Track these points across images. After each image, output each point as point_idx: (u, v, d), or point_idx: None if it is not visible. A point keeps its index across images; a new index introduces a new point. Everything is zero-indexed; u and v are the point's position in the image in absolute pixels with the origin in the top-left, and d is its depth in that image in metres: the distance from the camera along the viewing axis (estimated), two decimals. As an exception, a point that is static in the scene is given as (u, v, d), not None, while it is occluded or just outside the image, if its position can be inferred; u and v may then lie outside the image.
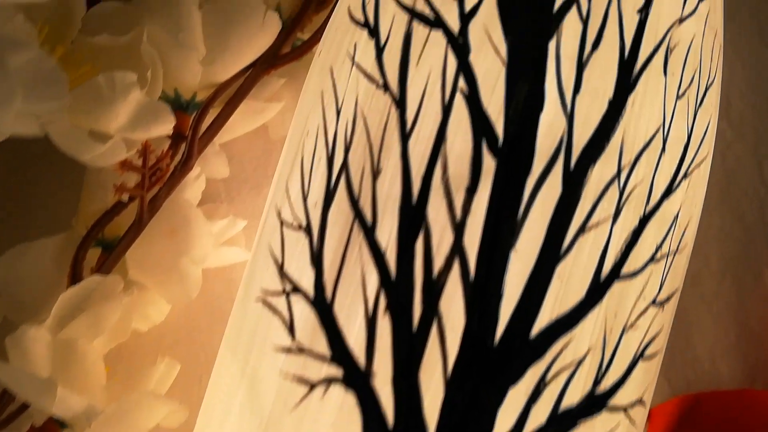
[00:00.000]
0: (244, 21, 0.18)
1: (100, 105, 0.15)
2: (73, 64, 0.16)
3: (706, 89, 0.13)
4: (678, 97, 0.12)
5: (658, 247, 0.12)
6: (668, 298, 0.13)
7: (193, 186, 0.19)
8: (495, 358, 0.11)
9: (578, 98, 0.11)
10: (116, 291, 0.18)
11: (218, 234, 0.19)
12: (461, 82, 0.11)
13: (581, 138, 0.11)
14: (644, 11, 0.12)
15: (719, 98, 0.14)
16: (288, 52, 0.19)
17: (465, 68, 0.11)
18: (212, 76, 0.18)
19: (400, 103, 0.12)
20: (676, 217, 0.12)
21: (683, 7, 0.12)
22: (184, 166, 0.18)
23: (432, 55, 0.12)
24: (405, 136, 0.11)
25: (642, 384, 0.12)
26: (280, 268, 0.12)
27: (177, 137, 0.18)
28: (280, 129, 0.21)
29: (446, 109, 0.11)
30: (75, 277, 0.18)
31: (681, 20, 0.12)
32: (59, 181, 0.19)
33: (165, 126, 0.17)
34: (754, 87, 0.23)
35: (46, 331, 0.16)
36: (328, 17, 0.17)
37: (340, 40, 0.13)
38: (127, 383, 0.17)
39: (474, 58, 0.11)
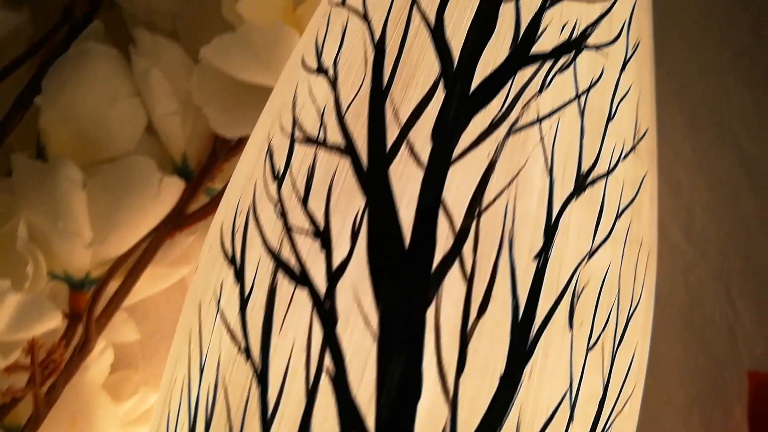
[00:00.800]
0: (136, 193, 0.16)
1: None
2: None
3: (628, 320, 0.11)
4: (589, 349, 0.10)
5: None
6: None
7: (98, 362, 0.17)
8: None
9: (462, 379, 0.09)
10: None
11: (127, 414, 0.17)
12: (327, 360, 0.10)
13: (467, 426, 0.09)
14: (543, 255, 0.10)
15: (651, 316, 0.12)
16: (196, 210, 0.18)
17: (332, 342, 0.10)
18: (105, 254, 0.16)
19: (262, 378, 0.10)
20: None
21: (594, 236, 0.11)
22: (83, 349, 0.17)
23: (296, 320, 0.10)
24: (267, 423, 0.10)
25: None
26: None
27: (73, 317, 0.17)
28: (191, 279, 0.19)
29: (311, 394, 0.10)
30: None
31: (591, 253, 0.11)
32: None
33: (52, 321, 0.15)
34: (716, 199, 0.21)
35: None
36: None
37: (211, 268, 0.12)
38: None
39: (342, 330, 0.10)
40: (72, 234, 0.15)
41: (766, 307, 0.21)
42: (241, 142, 0.18)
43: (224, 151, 0.18)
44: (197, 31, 0.17)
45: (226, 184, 0.17)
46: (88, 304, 0.17)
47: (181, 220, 0.17)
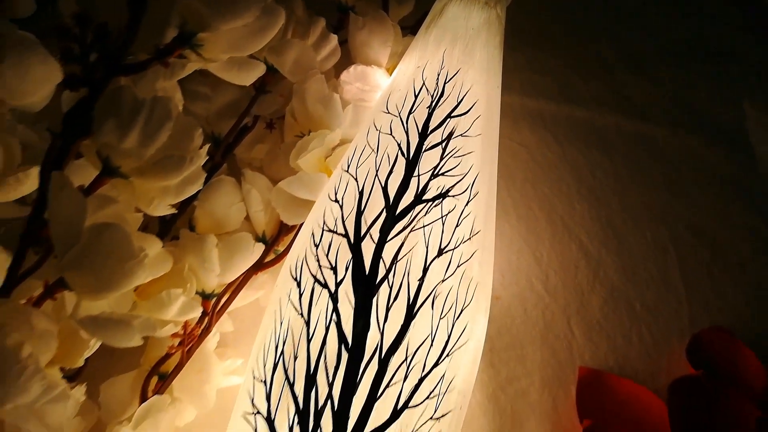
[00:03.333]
0: (242, 251, 0.32)
1: (162, 308, 0.29)
2: (148, 288, 0.30)
3: (463, 309, 0.26)
4: (441, 318, 0.26)
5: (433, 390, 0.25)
6: (443, 415, 0.26)
7: (211, 340, 0.33)
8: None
9: (386, 326, 0.25)
10: (167, 404, 0.31)
11: (225, 369, 0.33)
12: (334, 317, 0.25)
13: (387, 343, 0.25)
14: (422, 279, 0.26)
15: (483, 310, 0.27)
16: (269, 260, 0.33)
17: (336, 312, 0.25)
18: (223, 281, 0.32)
19: (307, 325, 0.25)
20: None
21: (445, 273, 0.26)
22: (206, 331, 0.32)
23: (322, 302, 0.25)
24: (309, 347, 0.25)
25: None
26: (252, 400, 0.26)
27: (203, 314, 0.32)
28: (264, 301, 0.35)
29: (326, 330, 0.25)
30: (143, 396, 0.31)
31: (444, 280, 0.26)
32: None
33: (196, 312, 0.31)
34: (562, 266, 0.37)
35: (130, 428, 0.29)
36: (294, 237, 0.31)
37: (284, 283, 0.27)
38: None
39: (340, 307, 0.25)
40: (209, 271, 0.31)
41: (591, 332, 0.36)
42: (294, 227, 0.34)
43: (285, 230, 0.34)
44: (276, 171, 0.33)
45: (287, 247, 0.33)
46: (211, 307, 0.32)
47: (260, 265, 0.33)
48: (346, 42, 0.34)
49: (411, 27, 0.36)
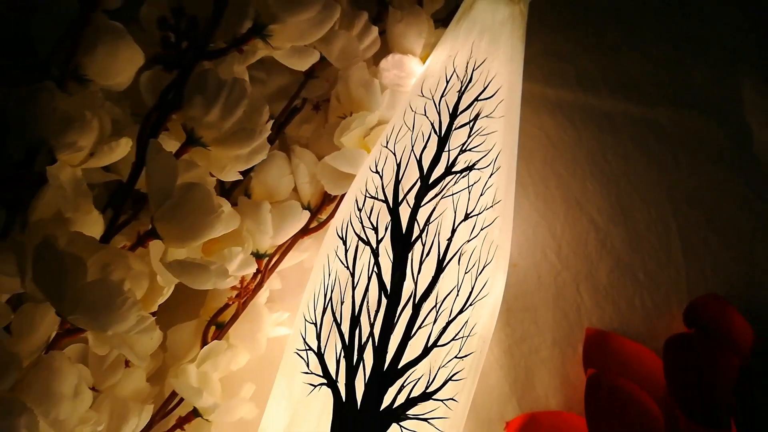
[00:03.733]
0: (291, 218, 0.36)
1: (224, 263, 0.34)
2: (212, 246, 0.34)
3: (485, 265, 0.31)
4: (466, 272, 0.30)
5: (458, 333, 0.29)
6: (466, 355, 0.30)
7: (262, 295, 0.37)
8: (385, 374, 0.28)
9: (419, 277, 0.29)
10: (224, 349, 0.36)
11: (274, 320, 0.37)
12: (375, 269, 0.29)
13: (420, 291, 0.29)
14: (451, 238, 0.30)
15: (504, 266, 0.31)
16: (313, 227, 0.38)
17: (377, 265, 0.29)
18: (274, 243, 0.36)
19: (352, 276, 0.30)
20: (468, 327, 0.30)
21: (470, 234, 0.30)
22: (259, 286, 0.37)
23: (365, 257, 0.30)
24: (354, 293, 0.29)
25: (454, 391, 0.29)
26: (304, 339, 0.30)
27: (257, 271, 0.37)
28: (308, 262, 0.39)
29: (369, 279, 0.29)
30: (204, 342, 0.36)
31: (469, 240, 0.30)
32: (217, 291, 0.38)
33: (251, 268, 0.35)
34: (574, 238, 0.41)
35: (195, 367, 0.34)
36: (336, 208, 0.36)
37: (331, 240, 0.32)
38: (230, 393, 0.35)
39: (381, 260, 0.29)
40: (263, 233, 0.36)
41: (598, 297, 0.40)
42: (336, 198, 0.38)
43: (328, 201, 0.38)
44: (321, 147, 0.37)
45: (329, 215, 0.38)
46: (263, 266, 0.37)
47: (305, 231, 0.38)
48: (384, 32, 0.39)
49: (443, 20, 0.40)
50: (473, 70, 0.33)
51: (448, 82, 0.33)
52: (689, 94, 0.42)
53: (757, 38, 0.42)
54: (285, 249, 0.37)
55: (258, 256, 0.37)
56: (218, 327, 0.37)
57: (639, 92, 0.42)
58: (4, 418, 0.26)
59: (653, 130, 0.41)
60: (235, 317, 0.36)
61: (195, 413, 0.35)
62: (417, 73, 0.37)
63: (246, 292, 0.36)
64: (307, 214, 0.37)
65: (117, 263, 0.26)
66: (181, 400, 0.35)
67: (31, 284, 0.27)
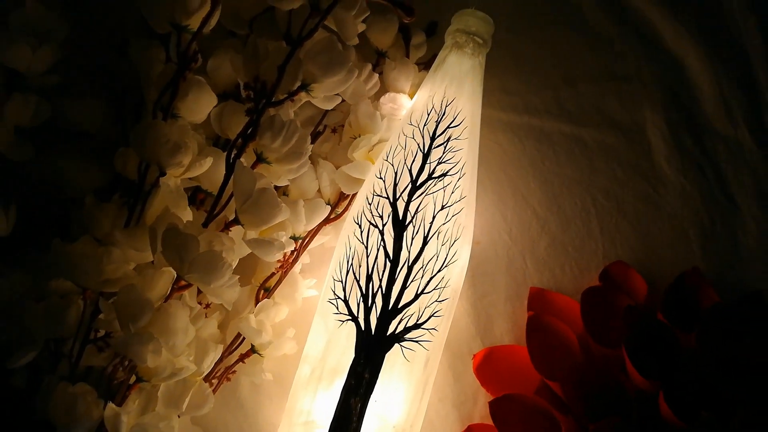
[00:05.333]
0: (317, 211, 0.50)
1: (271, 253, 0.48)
2: (264, 233, 0.49)
3: (455, 239, 0.45)
4: (441, 245, 0.44)
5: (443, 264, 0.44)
6: (443, 300, 0.44)
7: (297, 267, 0.52)
8: (390, 312, 0.43)
9: (412, 249, 0.44)
10: (271, 306, 0.50)
11: (306, 284, 0.52)
12: (381, 242, 0.44)
13: (412, 257, 0.44)
14: (433, 221, 0.45)
15: (468, 243, 0.46)
16: (332, 217, 0.52)
17: (384, 240, 0.44)
18: (306, 229, 0.51)
19: (365, 248, 0.44)
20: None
21: (445, 218, 0.45)
22: (295, 260, 0.51)
23: (374, 236, 0.44)
24: (368, 262, 0.44)
25: (435, 324, 0.44)
26: (333, 291, 0.45)
27: (294, 250, 0.51)
28: (330, 243, 0.53)
29: (378, 249, 0.44)
30: (256, 301, 0.50)
31: (445, 222, 0.45)
32: (249, 262, 0.52)
33: (290, 247, 0.49)
34: (521, 223, 0.56)
35: (253, 317, 0.48)
36: (349, 204, 0.50)
37: (349, 226, 0.46)
38: (276, 335, 0.49)
39: (386, 238, 0.44)
40: (299, 222, 0.50)
41: (538, 265, 0.55)
42: (349, 196, 0.53)
43: (343, 198, 0.53)
44: (338, 160, 0.52)
45: (344, 209, 0.52)
46: (298, 245, 0.51)
47: (327, 220, 0.52)
48: (382, 75, 0.53)
49: (425, 63, 0.55)
50: (446, 106, 0.48)
51: (428, 115, 0.48)
52: (605, 119, 0.57)
53: (653, 71, 0.58)
54: (312, 233, 0.52)
55: (295, 239, 0.51)
56: (266, 290, 0.51)
57: (569, 116, 0.57)
58: (140, 344, 0.40)
59: (578, 144, 0.56)
60: (278, 283, 0.51)
61: (252, 350, 0.49)
62: (407, 107, 0.52)
63: (286, 265, 0.50)
64: (328, 208, 0.52)
65: (217, 241, 0.41)
66: (242, 342, 0.50)
67: (160, 256, 0.41)
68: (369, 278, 0.44)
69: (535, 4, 0.58)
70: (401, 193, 0.45)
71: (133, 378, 0.43)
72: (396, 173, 0.46)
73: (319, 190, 0.52)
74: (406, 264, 0.44)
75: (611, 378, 0.44)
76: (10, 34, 0.43)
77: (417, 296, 0.44)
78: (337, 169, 0.51)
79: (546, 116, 0.57)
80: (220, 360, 0.48)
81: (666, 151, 0.56)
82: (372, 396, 0.42)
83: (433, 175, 0.46)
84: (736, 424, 0.40)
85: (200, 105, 0.46)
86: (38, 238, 0.45)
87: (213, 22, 0.44)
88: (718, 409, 0.41)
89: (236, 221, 0.42)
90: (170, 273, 0.42)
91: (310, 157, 0.54)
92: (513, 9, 0.58)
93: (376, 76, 0.52)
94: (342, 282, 0.45)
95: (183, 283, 0.42)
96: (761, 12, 0.58)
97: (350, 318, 0.43)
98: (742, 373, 0.42)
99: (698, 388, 0.42)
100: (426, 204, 0.45)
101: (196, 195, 0.48)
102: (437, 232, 0.45)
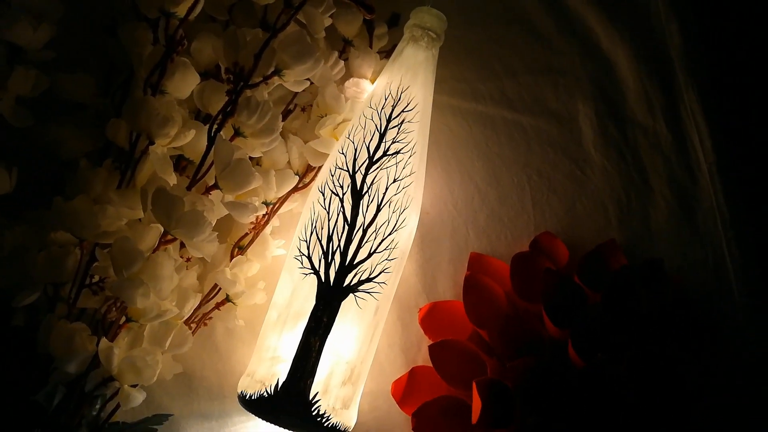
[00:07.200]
0: (287, 180, 0.57)
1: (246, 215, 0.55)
2: (239, 197, 0.56)
3: (404, 209, 0.53)
4: (392, 212, 0.52)
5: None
6: (392, 259, 0.52)
7: (268, 228, 0.59)
8: (346, 267, 0.50)
9: (366, 215, 0.51)
10: (244, 262, 0.57)
11: (275, 244, 0.59)
12: (340, 207, 0.51)
13: (367, 221, 0.51)
14: (386, 192, 0.52)
15: (416, 215, 0.54)
16: (300, 186, 0.59)
17: (344, 207, 0.51)
18: (277, 196, 0.58)
19: (327, 213, 0.52)
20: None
21: (397, 189, 0.53)
22: (266, 223, 0.58)
23: (335, 203, 0.52)
24: (329, 227, 0.52)
25: (385, 278, 0.52)
26: (299, 249, 0.52)
27: (265, 214, 0.58)
28: (297, 209, 0.61)
29: (338, 215, 0.51)
30: (231, 257, 0.58)
31: (397, 193, 0.53)
32: (226, 223, 0.59)
33: (262, 211, 0.57)
34: (465, 196, 0.64)
35: (229, 270, 0.56)
36: (315, 175, 0.58)
37: (314, 194, 0.53)
38: (248, 286, 0.56)
39: (345, 205, 0.51)
40: (270, 189, 0.57)
41: (479, 233, 0.63)
42: (315, 168, 0.60)
43: (310, 170, 0.60)
44: (306, 136, 0.59)
45: (311, 179, 0.59)
46: (269, 210, 0.58)
47: (295, 189, 0.59)
48: (347, 60, 0.60)
49: (386, 52, 0.62)
50: (401, 93, 0.55)
51: (386, 100, 0.55)
52: (541, 107, 0.65)
53: (586, 67, 0.66)
54: (282, 199, 0.59)
55: (266, 204, 0.58)
56: (240, 248, 0.58)
57: (510, 104, 0.65)
58: (132, 288, 0.47)
59: (518, 128, 0.64)
60: (251, 242, 0.58)
61: (227, 299, 0.57)
62: (368, 91, 0.59)
63: (258, 226, 0.58)
64: (296, 178, 0.59)
65: (199, 202, 0.48)
66: (218, 292, 0.57)
67: (149, 213, 0.48)
68: (329, 239, 0.51)
69: (485, 4, 0.66)
70: (359, 167, 0.53)
71: (123, 318, 0.50)
72: (356, 149, 0.53)
73: (288, 162, 0.59)
74: (361, 228, 0.51)
75: (530, 327, 0.53)
76: (13, 12, 0.49)
77: (370, 255, 0.51)
78: (305, 143, 0.58)
79: (491, 103, 0.65)
80: (199, 307, 0.56)
81: (593, 137, 0.65)
82: (328, 336, 0.49)
83: (388, 153, 0.53)
84: (624, 364, 0.49)
85: (185, 83, 0.52)
86: (38, 196, 0.51)
87: (198, 9, 0.51)
88: (611, 352, 0.50)
89: (216, 186, 0.49)
90: (158, 228, 0.49)
91: (282, 133, 0.61)
92: (465, 7, 0.65)
93: (342, 62, 0.58)
94: (306, 241, 0.52)
95: (169, 237, 0.48)
96: (682, 18, 0.67)
97: (312, 271, 0.51)
98: (633, 324, 0.51)
99: (598, 335, 0.51)
100: (380, 177, 0.53)
101: (179, 162, 0.55)
102: (389, 202, 0.52)
